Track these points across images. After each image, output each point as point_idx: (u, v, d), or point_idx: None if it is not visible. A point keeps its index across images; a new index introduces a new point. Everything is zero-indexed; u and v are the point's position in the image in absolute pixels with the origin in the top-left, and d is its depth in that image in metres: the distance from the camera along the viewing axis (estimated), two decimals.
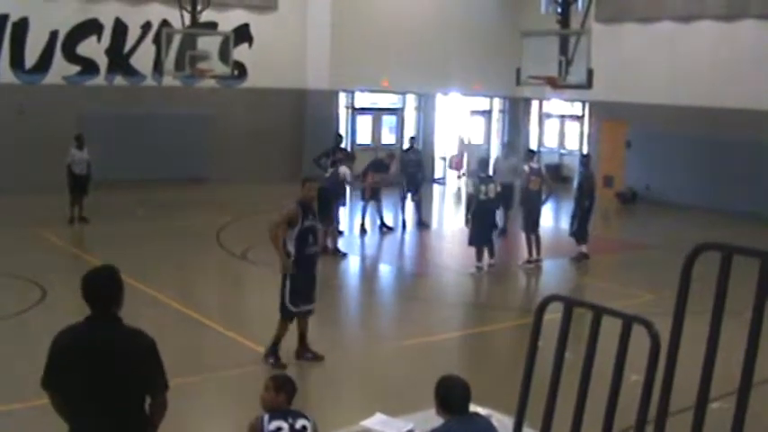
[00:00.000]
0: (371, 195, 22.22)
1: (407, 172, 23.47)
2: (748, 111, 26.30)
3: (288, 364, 11.58)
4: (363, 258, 20.35)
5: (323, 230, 19.06)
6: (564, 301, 4.50)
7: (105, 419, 5.39)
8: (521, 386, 4.58)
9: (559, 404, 4.42)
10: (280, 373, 7.19)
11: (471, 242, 18.24)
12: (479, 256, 18.17)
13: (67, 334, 5.48)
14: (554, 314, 4.54)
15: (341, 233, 20.80)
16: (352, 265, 19.53)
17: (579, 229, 19.65)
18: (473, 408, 6.08)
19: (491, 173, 19.76)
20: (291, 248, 11.57)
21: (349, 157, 21.41)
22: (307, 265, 11.74)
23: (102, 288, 5.47)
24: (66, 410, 5.50)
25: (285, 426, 6.52)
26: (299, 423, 6.57)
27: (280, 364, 11.60)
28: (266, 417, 6.61)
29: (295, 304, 11.70)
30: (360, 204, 22.67)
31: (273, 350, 11.74)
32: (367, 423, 7.29)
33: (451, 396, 5.88)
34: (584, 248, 19.60)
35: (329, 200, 19.09)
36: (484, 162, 19.42)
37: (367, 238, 21.69)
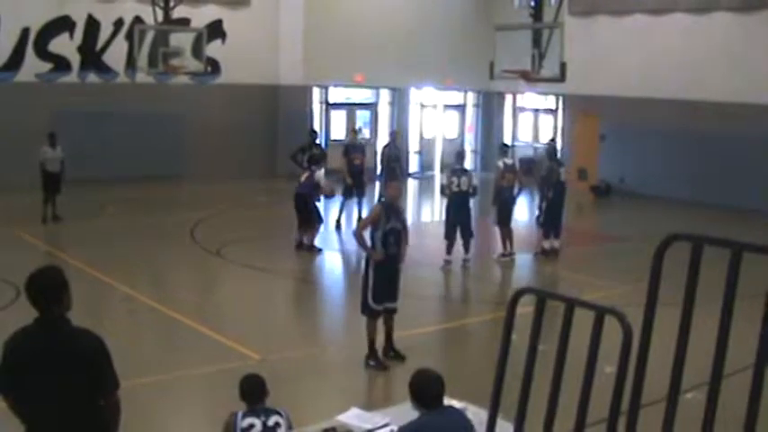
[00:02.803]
0: (355, 181, 22.27)
1: (388, 167, 23.41)
2: (721, 103, 26.44)
3: (387, 366, 11.83)
4: (339, 254, 20.34)
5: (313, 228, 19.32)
6: (536, 293, 4.50)
7: (58, 420, 5.37)
8: (494, 379, 4.58)
9: (534, 396, 4.42)
10: (251, 373, 7.18)
11: (446, 234, 18.31)
12: (449, 250, 18.20)
13: (17, 336, 5.46)
14: (528, 307, 4.55)
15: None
16: (328, 260, 19.51)
17: (545, 223, 19.63)
18: (447, 401, 6.09)
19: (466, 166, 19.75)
20: (379, 248, 11.79)
21: (322, 158, 21.57)
22: (390, 265, 11.88)
23: (44, 289, 5.38)
24: (20, 412, 5.48)
25: (258, 422, 6.55)
26: (272, 419, 6.60)
27: (381, 365, 11.80)
28: (239, 414, 6.64)
29: (378, 302, 11.79)
30: (338, 200, 22.70)
31: (371, 353, 11.89)
32: (342, 418, 7.29)
33: (426, 390, 5.91)
34: (555, 243, 19.52)
35: (306, 204, 19.18)
36: (459, 155, 19.41)
37: (343, 234, 21.65)
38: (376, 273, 11.79)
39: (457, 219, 18.18)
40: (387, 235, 11.75)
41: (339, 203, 22.58)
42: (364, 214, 22.79)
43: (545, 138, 33.86)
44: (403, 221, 12.17)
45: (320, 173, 19.78)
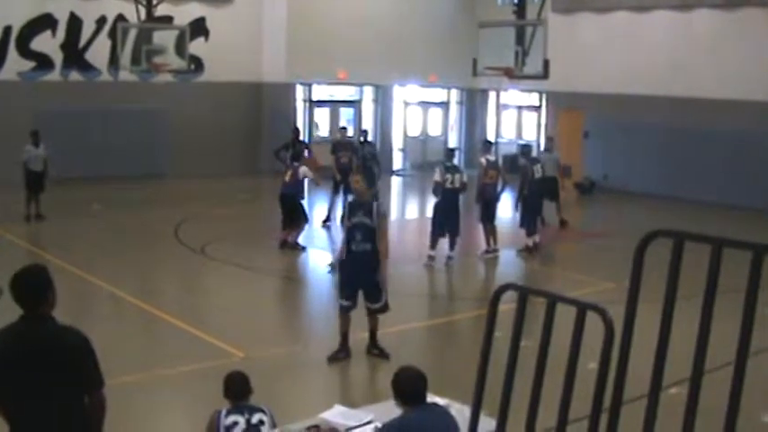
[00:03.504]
0: (342, 179, 22.29)
1: (364, 165, 23.37)
2: (703, 99, 26.54)
3: (338, 360, 11.88)
4: (323, 252, 20.31)
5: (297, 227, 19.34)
6: (518, 289, 4.51)
7: (43, 419, 5.35)
8: (477, 375, 4.59)
9: (517, 393, 4.43)
10: (235, 371, 7.19)
11: (434, 231, 18.29)
12: (433, 245, 18.19)
13: (2, 334, 5.44)
14: (511, 303, 4.56)
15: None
16: (312, 258, 19.49)
17: (524, 221, 19.69)
18: (431, 398, 6.10)
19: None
20: (343, 245, 11.92)
21: (305, 151, 21.63)
22: (355, 261, 11.74)
23: (29, 288, 5.38)
24: (4, 410, 5.46)
25: (241, 420, 6.55)
26: (256, 417, 6.60)
27: (333, 355, 11.87)
28: (223, 411, 6.63)
29: (345, 298, 11.86)
30: (326, 197, 22.78)
31: (340, 342, 11.96)
32: (326, 415, 7.28)
33: (409, 387, 5.92)
34: (537, 239, 19.59)
35: (294, 204, 19.17)
36: (450, 152, 19.48)
37: (326, 232, 21.63)
38: (341, 271, 12.01)
39: (446, 216, 18.16)
40: (351, 230, 11.73)
41: (327, 202, 22.60)
42: None
43: (528, 135, 34.08)
44: (379, 217, 11.78)
45: (304, 168, 19.73)
